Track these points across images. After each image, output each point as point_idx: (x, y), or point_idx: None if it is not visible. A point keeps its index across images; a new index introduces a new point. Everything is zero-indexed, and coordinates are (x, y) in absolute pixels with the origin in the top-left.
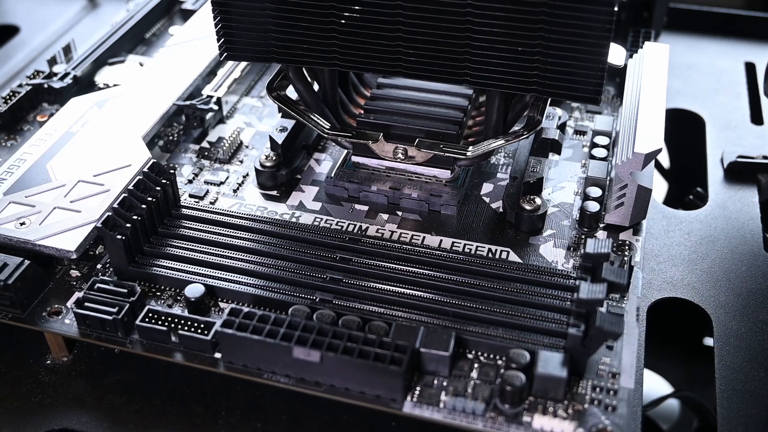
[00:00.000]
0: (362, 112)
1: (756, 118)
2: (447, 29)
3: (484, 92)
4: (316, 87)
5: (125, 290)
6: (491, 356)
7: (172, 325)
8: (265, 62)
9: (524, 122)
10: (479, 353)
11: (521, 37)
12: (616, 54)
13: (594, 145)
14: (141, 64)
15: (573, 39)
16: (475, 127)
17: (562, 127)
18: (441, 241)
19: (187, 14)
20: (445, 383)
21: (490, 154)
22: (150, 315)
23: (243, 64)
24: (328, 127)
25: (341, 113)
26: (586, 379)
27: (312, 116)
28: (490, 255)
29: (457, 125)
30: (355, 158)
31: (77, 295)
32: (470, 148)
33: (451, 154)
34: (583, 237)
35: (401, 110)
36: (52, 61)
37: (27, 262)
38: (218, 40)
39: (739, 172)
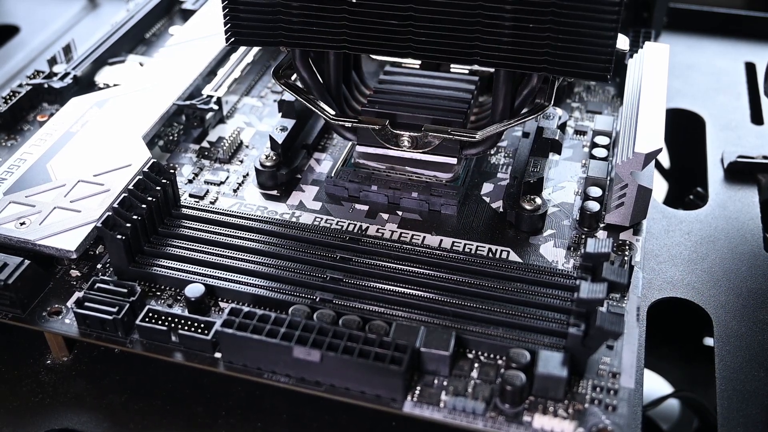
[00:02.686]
0: (367, 102)
1: (756, 118)
2: (458, 6)
3: (490, 82)
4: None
5: (125, 290)
6: (491, 356)
7: (172, 325)
8: (272, 46)
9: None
10: (479, 353)
11: (532, 13)
12: (620, 41)
13: (594, 145)
14: (141, 64)
15: (584, 14)
16: (480, 121)
17: (562, 127)
18: (441, 240)
19: (187, 14)
20: (445, 383)
21: (497, 140)
22: (150, 315)
23: (243, 63)
24: (333, 113)
25: (345, 107)
26: (587, 378)
27: (317, 102)
28: (490, 255)
29: (462, 114)
30: (360, 148)
31: (77, 294)
32: (479, 132)
33: (459, 137)
34: (583, 237)
35: (406, 100)
36: (52, 61)
37: (27, 262)
38: (225, 25)
39: (739, 172)
